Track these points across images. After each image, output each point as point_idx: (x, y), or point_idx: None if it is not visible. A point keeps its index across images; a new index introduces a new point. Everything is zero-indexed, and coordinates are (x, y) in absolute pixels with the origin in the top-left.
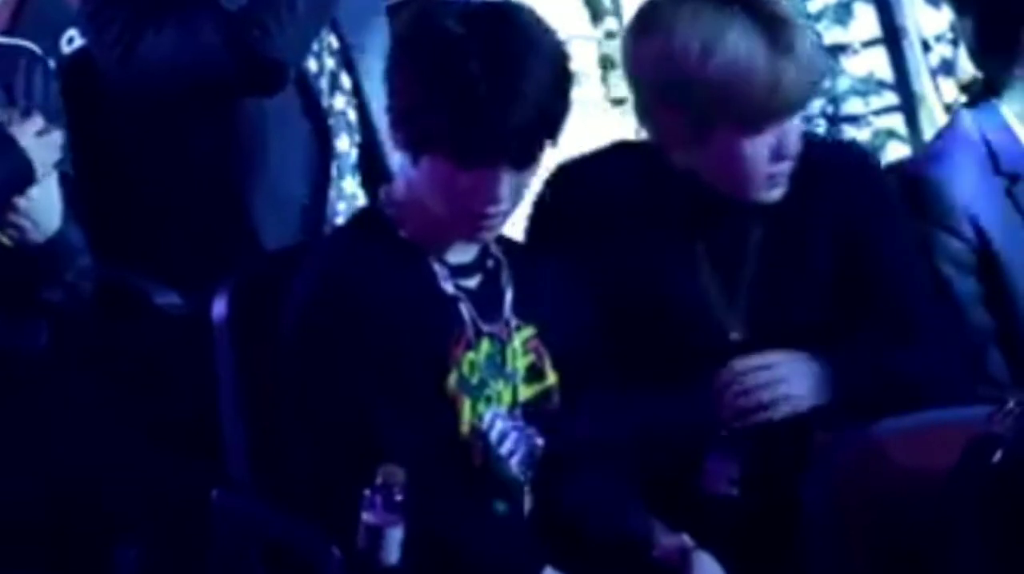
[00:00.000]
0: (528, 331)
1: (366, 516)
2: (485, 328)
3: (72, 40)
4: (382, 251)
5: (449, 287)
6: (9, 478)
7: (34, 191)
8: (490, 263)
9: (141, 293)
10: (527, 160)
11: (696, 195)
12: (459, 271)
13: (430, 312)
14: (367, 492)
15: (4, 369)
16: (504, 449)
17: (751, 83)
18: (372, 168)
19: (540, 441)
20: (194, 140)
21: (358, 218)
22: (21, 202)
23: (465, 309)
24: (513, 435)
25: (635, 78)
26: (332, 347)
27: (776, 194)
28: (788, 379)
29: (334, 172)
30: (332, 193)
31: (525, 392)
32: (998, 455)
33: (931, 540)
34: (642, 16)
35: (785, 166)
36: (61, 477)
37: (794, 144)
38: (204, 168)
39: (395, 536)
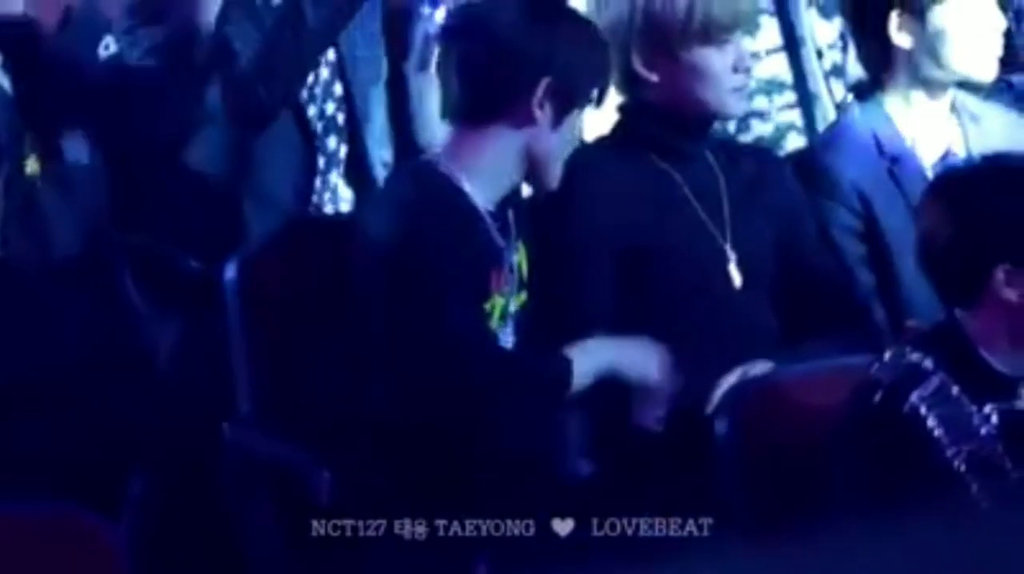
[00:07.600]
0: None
1: None
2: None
3: (108, 47)
4: (446, 196)
5: (497, 238)
6: (30, 411)
7: None
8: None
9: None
10: None
11: (669, 126)
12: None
13: (480, 247)
14: None
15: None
16: None
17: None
18: (356, 163)
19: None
20: (196, 149)
21: (417, 171)
22: None
23: (502, 244)
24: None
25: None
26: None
27: (742, 107)
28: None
29: (321, 165)
30: (317, 183)
31: (517, 301)
32: (878, 397)
33: (820, 470)
34: None
35: (746, 78)
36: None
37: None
38: (203, 171)
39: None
